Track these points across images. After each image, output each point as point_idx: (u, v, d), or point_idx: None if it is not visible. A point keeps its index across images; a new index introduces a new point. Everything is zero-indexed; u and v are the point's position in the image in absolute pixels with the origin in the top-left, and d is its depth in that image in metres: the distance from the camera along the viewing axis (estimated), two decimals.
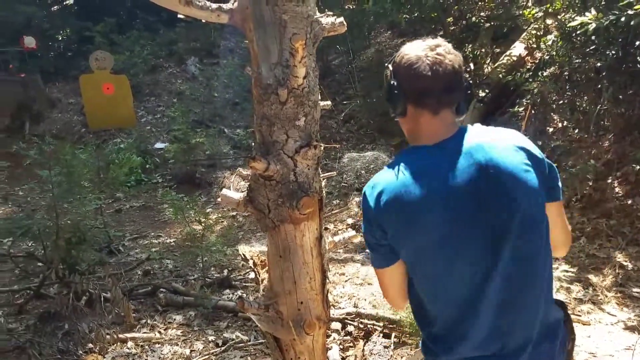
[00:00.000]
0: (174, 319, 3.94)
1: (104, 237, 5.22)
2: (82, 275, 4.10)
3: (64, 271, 4.07)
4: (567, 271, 3.75)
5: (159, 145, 9.20)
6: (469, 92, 1.42)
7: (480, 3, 9.20)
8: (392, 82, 1.41)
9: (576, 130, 5.58)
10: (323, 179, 2.25)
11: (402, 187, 1.29)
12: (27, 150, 4.45)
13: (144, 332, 3.72)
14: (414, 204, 1.27)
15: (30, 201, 4.40)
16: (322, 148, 2.10)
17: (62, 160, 3.98)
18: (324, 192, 2.23)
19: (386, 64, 1.47)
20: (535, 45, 7.00)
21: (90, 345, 3.51)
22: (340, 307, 3.90)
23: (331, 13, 2.05)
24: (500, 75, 7.08)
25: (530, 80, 6.08)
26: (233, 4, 1.97)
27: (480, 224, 1.27)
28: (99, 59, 9.76)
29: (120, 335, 3.56)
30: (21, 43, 10.73)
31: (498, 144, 1.30)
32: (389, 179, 1.33)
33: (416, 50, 1.35)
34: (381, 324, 3.56)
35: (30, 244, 5.03)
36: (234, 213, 6.34)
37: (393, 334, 3.46)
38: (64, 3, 14.53)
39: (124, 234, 5.86)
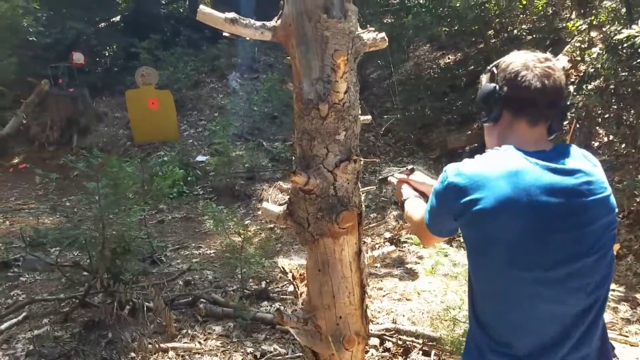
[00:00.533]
0: (214, 330, 3.98)
1: (147, 248, 5.35)
2: (126, 285, 4.21)
3: (108, 280, 4.19)
4: (614, 290, 3.61)
5: (200, 158, 9.41)
6: (564, 113, 1.43)
7: (522, 16, 9.06)
8: (493, 86, 1.41)
9: (623, 145, 5.41)
10: (362, 193, 2.25)
11: (497, 179, 1.27)
12: (75, 163, 4.63)
13: (185, 342, 3.78)
14: (499, 199, 1.25)
15: (78, 212, 4.58)
16: (361, 162, 2.11)
17: (108, 172, 4.11)
18: (363, 206, 2.23)
19: (488, 67, 1.48)
20: (579, 58, 6.83)
21: (133, 354, 3.58)
22: (378, 323, 3.86)
23: (372, 29, 2.07)
24: None
25: (575, 93, 5.93)
26: (276, 21, 2.02)
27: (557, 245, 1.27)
28: (144, 74, 10.13)
29: (162, 345, 3.62)
30: (70, 59, 11.21)
31: (596, 176, 1.31)
32: (484, 168, 1.31)
33: (525, 59, 1.36)
34: (420, 341, 3.50)
35: (76, 254, 5.20)
36: (272, 225, 6.39)
37: (433, 352, 3.39)
38: (111, 20, 15.13)
39: (166, 244, 5.99)
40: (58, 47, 12.23)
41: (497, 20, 9.25)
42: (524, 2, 8.54)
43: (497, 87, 1.39)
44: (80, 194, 4.51)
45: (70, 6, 12.72)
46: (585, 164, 1.33)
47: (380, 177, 2.26)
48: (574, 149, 1.38)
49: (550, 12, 8.75)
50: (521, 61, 1.36)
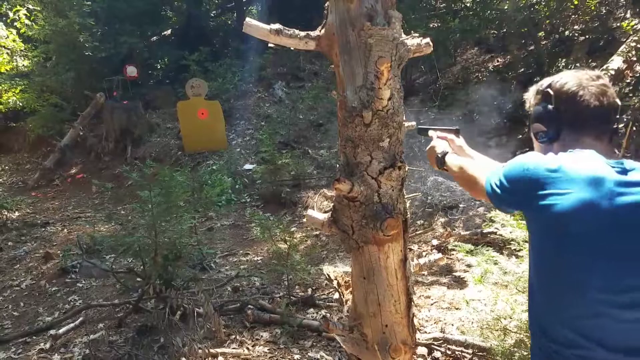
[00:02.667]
0: (261, 336, 4.03)
1: (197, 255, 5.48)
2: (177, 291, 4.33)
3: (160, 286, 4.31)
4: None
5: (247, 166, 9.57)
6: (617, 126, 1.44)
7: (573, 16, 8.76)
8: (549, 106, 1.44)
9: None
10: (407, 200, 2.23)
11: (580, 180, 1.26)
12: (129, 173, 4.81)
13: (233, 348, 3.84)
14: (580, 203, 1.24)
15: (132, 220, 4.75)
16: (406, 169, 2.09)
17: (161, 181, 4.25)
18: (408, 213, 2.21)
19: (540, 88, 1.50)
20: (635, 59, 6.53)
21: (184, 359, 3.66)
22: (425, 332, 3.80)
23: (417, 34, 2.05)
24: None
25: (631, 95, 5.67)
26: (320, 31, 2.04)
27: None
28: (194, 86, 10.44)
29: (212, 350, 3.69)
30: (124, 72, 11.68)
31: None
32: (568, 166, 1.30)
33: (579, 78, 1.41)
34: (470, 351, 3.42)
35: (130, 260, 5.40)
36: (318, 232, 6.41)
37: None
38: (163, 34, 15.67)
39: (215, 251, 6.11)
40: (112, 61, 12.76)
41: (547, 21, 8.99)
42: (576, 2, 8.25)
43: (554, 107, 1.42)
44: (134, 203, 4.67)
45: (124, 21, 13.27)
46: None
47: (421, 127, 2.22)
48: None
49: (604, 11, 8.42)
50: (575, 81, 1.40)
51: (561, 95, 1.41)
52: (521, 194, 1.36)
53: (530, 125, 1.53)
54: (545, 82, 1.48)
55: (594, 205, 1.23)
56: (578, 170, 1.27)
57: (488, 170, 1.54)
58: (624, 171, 1.28)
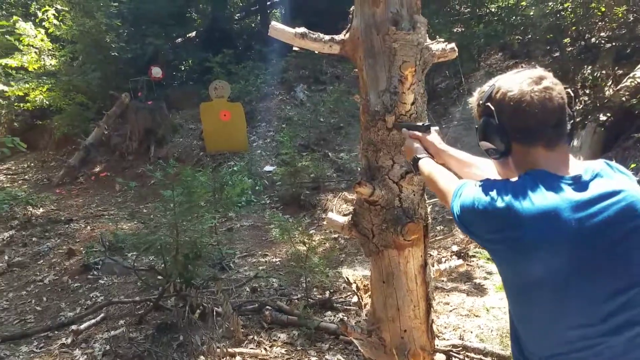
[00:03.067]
0: (279, 337, 4.05)
1: (217, 254, 5.52)
2: (197, 290, 4.37)
3: (181, 285, 4.37)
4: None
5: (267, 168, 9.62)
6: (574, 120, 1.33)
7: (600, 23, 8.61)
8: (492, 121, 1.32)
9: None
10: (428, 205, 2.22)
11: (536, 213, 1.19)
12: (152, 172, 4.88)
13: (251, 348, 3.86)
14: (540, 236, 1.18)
15: (154, 218, 4.81)
16: None
17: (183, 181, 4.31)
18: (429, 218, 2.20)
19: (477, 101, 1.41)
20: None
21: (202, 357, 3.70)
22: (444, 339, 3.77)
23: (442, 39, 2.05)
24: (624, 99, 6.55)
25: None
26: (345, 35, 2.05)
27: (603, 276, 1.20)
28: (217, 87, 10.55)
29: (230, 350, 3.72)
30: (149, 73, 11.86)
31: (633, 191, 1.23)
32: (521, 199, 1.22)
33: (518, 84, 1.28)
34: (489, 359, 3.38)
35: (151, 258, 5.47)
36: (336, 235, 6.41)
37: None
38: (187, 36, 15.87)
39: (234, 251, 6.16)
40: (138, 62, 12.96)
41: (573, 28, 8.85)
42: (603, 9, 8.11)
43: (498, 122, 1.31)
44: (157, 202, 4.73)
45: (150, 23, 13.48)
46: (622, 181, 1.25)
47: (396, 123, 2.08)
48: (605, 167, 1.28)
49: (632, 19, 8.25)
50: (516, 88, 1.27)
51: (503, 108, 1.29)
52: (477, 232, 1.32)
53: (478, 141, 1.42)
54: (486, 92, 1.37)
55: (553, 243, 1.17)
56: (528, 207, 1.19)
57: (453, 186, 1.45)
58: (583, 185, 1.21)
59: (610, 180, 1.24)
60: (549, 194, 1.20)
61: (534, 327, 1.30)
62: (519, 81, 1.28)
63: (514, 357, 1.42)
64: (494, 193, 1.26)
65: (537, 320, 1.28)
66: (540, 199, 1.19)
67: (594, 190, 1.21)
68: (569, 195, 1.19)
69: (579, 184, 1.22)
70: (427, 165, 1.70)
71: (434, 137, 1.87)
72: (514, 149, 1.32)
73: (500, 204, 1.23)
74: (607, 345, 1.20)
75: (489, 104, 1.33)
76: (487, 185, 1.31)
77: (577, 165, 1.29)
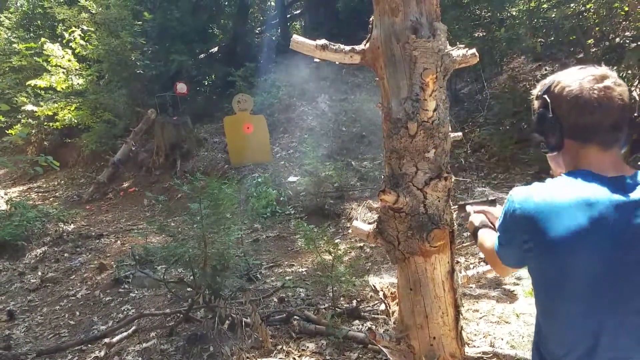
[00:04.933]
0: (307, 347, 4.05)
1: (244, 265, 5.57)
2: (226, 301, 4.42)
3: (209, 296, 4.42)
4: None
5: (291, 178, 9.68)
6: (636, 124, 1.28)
7: (624, 23, 8.46)
8: (547, 114, 1.31)
9: None
10: (454, 211, 2.22)
11: (570, 208, 1.18)
12: (180, 186, 4.97)
13: (280, 358, 3.88)
14: (574, 231, 1.16)
15: (182, 231, 4.89)
16: (452, 179, 2.09)
17: (209, 194, 4.37)
18: (455, 224, 2.19)
19: (537, 93, 1.39)
20: None
21: None
22: (474, 346, 3.72)
23: (462, 45, 2.06)
24: None
25: None
26: (365, 44, 2.08)
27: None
28: (240, 101, 10.71)
29: None
30: (174, 89, 12.11)
31: None
32: (555, 195, 1.21)
33: (579, 80, 1.25)
34: None
35: (180, 271, 5.55)
36: (362, 244, 6.40)
37: None
38: (210, 51, 16.16)
39: (261, 262, 6.20)
40: (162, 78, 13.27)
41: (597, 28, 8.71)
42: (626, 9, 7.97)
43: (552, 116, 1.29)
44: (184, 215, 4.81)
45: (174, 40, 13.79)
46: None
47: (460, 204, 2.19)
48: None
49: None
50: (576, 84, 1.24)
51: (559, 102, 1.27)
52: (513, 236, 1.31)
53: (532, 132, 1.41)
54: (545, 84, 1.36)
55: (588, 232, 1.15)
56: (567, 197, 1.19)
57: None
58: (628, 187, 1.18)
59: None
60: (585, 190, 1.19)
61: (558, 322, 1.29)
62: (580, 77, 1.26)
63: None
64: (529, 191, 1.27)
65: (562, 315, 1.27)
66: (574, 194, 1.18)
67: (638, 194, 1.18)
68: (607, 194, 1.17)
69: (623, 185, 1.19)
70: (480, 233, 1.73)
71: (498, 210, 1.88)
72: (567, 145, 1.30)
73: (536, 197, 1.23)
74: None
75: (546, 96, 1.32)
76: (517, 190, 1.31)
77: (628, 171, 1.25)
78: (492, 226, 1.78)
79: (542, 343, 1.36)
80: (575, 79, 1.26)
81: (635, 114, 1.27)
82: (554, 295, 1.27)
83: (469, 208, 1.99)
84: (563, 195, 1.20)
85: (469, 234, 1.98)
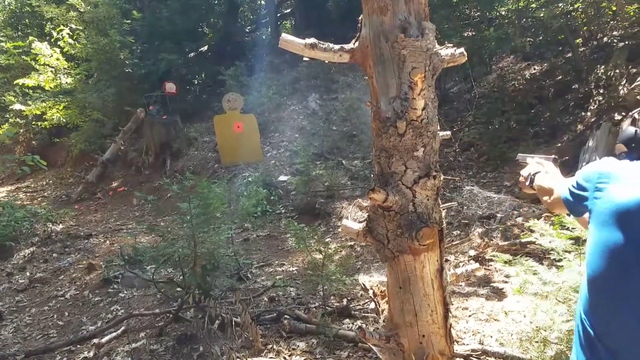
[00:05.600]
0: (298, 346, 4.05)
1: (234, 265, 5.55)
2: (216, 300, 4.40)
3: (199, 296, 4.40)
4: None
5: (282, 178, 9.67)
6: None
7: (612, 22, 8.55)
8: (635, 130, 1.52)
9: None
10: (443, 210, 2.23)
11: None
12: (169, 185, 4.94)
13: (270, 357, 3.87)
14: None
15: (171, 231, 4.88)
16: (441, 178, 2.10)
17: (199, 193, 4.35)
18: (444, 222, 2.20)
19: (631, 113, 1.61)
20: None
21: None
22: (464, 344, 3.74)
23: (451, 44, 2.07)
24: (638, 97, 6.49)
25: None
26: (354, 43, 2.08)
27: None
28: (230, 100, 10.68)
29: (250, 359, 3.74)
30: (163, 88, 12.05)
31: None
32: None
33: None
34: None
35: (170, 271, 5.52)
36: (352, 243, 6.42)
37: None
38: (200, 50, 16.08)
39: (251, 261, 6.19)
40: (152, 77, 13.17)
41: (585, 28, 8.81)
42: (614, 8, 8.06)
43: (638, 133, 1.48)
44: (174, 214, 4.80)
45: (163, 39, 13.70)
46: None
47: (521, 154, 2.27)
48: None
49: None
50: None
51: None
52: (591, 188, 1.36)
53: (617, 143, 1.60)
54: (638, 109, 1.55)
55: None
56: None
57: (563, 180, 1.58)
58: None
59: None
60: None
61: (612, 292, 1.28)
62: None
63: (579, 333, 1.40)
64: (622, 161, 1.36)
65: (619, 287, 1.25)
66: None
67: None
68: None
69: None
70: (543, 178, 1.87)
71: (557, 170, 2.01)
72: None
73: (628, 164, 1.31)
74: None
75: (636, 114, 1.54)
76: (612, 159, 1.39)
77: None
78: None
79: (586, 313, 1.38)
80: None
81: None
82: (608, 264, 1.27)
83: (529, 159, 2.11)
84: None
85: (518, 183, 2.06)
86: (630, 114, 1.54)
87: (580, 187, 1.43)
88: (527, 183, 1.99)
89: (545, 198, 1.78)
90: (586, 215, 1.43)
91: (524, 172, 2.04)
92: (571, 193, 1.47)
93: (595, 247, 1.30)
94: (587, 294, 1.35)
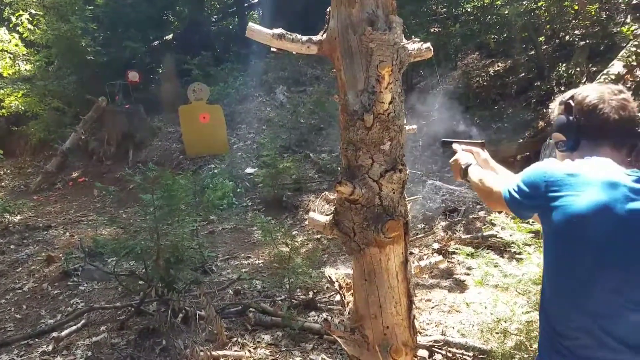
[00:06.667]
0: (263, 339, 4.05)
1: (199, 258, 5.48)
2: (179, 294, 4.34)
3: (162, 289, 4.33)
4: None
5: (249, 170, 9.60)
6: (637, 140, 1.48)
7: (574, 21, 8.80)
8: (570, 117, 1.52)
9: None
10: (408, 203, 2.25)
11: (594, 184, 1.30)
12: (131, 176, 4.83)
13: (235, 351, 3.85)
14: (593, 206, 1.28)
15: (134, 223, 4.77)
16: (407, 172, 2.11)
17: (163, 185, 4.27)
18: (409, 216, 2.23)
19: (560, 100, 1.59)
20: (635, 63, 6.57)
21: None
22: (426, 334, 3.81)
23: (418, 39, 2.08)
24: None
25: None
26: (322, 35, 2.07)
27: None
28: (196, 90, 10.49)
29: (213, 353, 3.70)
30: (126, 77, 11.75)
31: None
32: (583, 170, 1.35)
33: (600, 92, 1.48)
34: (471, 354, 3.43)
35: (132, 263, 5.41)
36: (319, 236, 6.43)
37: None
38: (165, 39, 15.74)
39: (216, 254, 6.13)
40: (114, 65, 12.82)
41: (548, 26, 9.04)
42: (576, 7, 8.30)
43: (574, 119, 1.50)
44: (136, 206, 4.70)
45: (126, 26, 13.35)
46: None
47: (445, 140, 2.26)
48: None
49: (604, 16, 8.46)
50: (597, 94, 1.47)
51: (582, 108, 1.49)
52: (539, 197, 1.41)
53: (551, 134, 1.62)
54: (569, 94, 1.56)
55: (607, 208, 1.27)
56: (595, 174, 1.32)
57: (506, 180, 1.60)
58: (639, 180, 1.32)
59: None
60: (613, 170, 1.33)
61: (563, 286, 1.39)
62: (600, 90, 1.49)
63: (542, 328, 1.50)
64: (564, 163, 1.43)
65: (573, 278, 1.35)
66: (605, 172, 1.32)
67: None
68: (627, 179, 1.30)
69: (637, 176, 1.32)
70: (478, 170, 1.88)
71: (486, 154, 2.04)
72: (582, 144, 1.49)
73: (571, 169, 1.37)
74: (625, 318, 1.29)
75: (570, 101, 1.53)
76: (554, 161, 1.46)
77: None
78: (481, 166, 1.94)
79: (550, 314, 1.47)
80: (596, 91, 1.50)
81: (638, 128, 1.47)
82: (566, 255, 1.38)
83: (455, 146, 2.11)
84: (590, 171, 1.34)
85: (451, 168, 2.07)
86: (562, 100, 1.58)
87: (523, 192, 1.47)
88: (460, 177, 1.98)
89: (482, 196, 1.81)
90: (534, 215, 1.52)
91: (455, 163, 2.03)
92: (513, 197, 1.51)
93: (556, 261, 1.42)
94: (549, 295, 1.46)
